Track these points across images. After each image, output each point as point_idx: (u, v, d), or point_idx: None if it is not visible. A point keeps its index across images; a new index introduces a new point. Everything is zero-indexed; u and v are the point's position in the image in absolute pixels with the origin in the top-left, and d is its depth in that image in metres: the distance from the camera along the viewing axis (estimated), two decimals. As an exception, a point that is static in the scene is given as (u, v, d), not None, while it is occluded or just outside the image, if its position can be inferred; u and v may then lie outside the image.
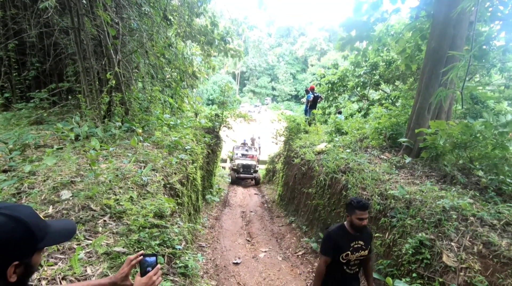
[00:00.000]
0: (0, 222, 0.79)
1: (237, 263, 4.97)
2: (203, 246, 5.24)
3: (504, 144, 4.07)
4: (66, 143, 3.88)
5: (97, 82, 5.87)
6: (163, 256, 2.19)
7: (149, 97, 6.57)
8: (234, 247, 5.71)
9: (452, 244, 3.04)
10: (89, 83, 5.57)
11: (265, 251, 5.61)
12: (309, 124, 10.11)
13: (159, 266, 1.28)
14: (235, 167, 13.41)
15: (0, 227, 0.78)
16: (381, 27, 8.23)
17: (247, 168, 13.39)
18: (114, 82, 4.88)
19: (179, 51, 8.16)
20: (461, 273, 2.81)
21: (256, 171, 13.62)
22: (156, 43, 6.36)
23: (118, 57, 5.28)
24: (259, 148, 16.96)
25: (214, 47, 9.08)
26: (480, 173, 4.43)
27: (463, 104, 7.29)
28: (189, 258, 2.37)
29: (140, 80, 6.63)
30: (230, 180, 13.13)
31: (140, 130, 4.81)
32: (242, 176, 13.35)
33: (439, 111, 5.30)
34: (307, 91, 11.19)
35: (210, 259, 4.92)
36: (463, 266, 2.82)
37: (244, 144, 16.69)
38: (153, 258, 1.28)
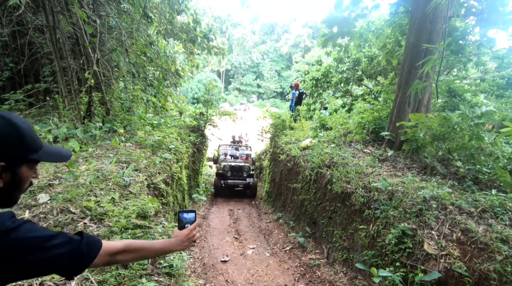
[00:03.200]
0: None
1: (225, 261, 4.96)
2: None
3: (480, 135, 4.22)
4: (44, 145, 3.74)
5: (76, 82, 5.70)
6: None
7: (131, 97, 6.43)
8: (222, 245, 5.69)
9: (433, 232, 3.14)
10: (67, 83, 5.40)
11: (253, 248, 5.62)
12: (295, 121, 10.18)
13: (198, 222, 1.33)
14: (221, 171, 9.76)
15: None
16: (362, 23, 8.36)
17: (237, 170, 9.71)
18: (93, 81, 4.74)
19: (161, 49, 8.02)
20: (442, 260, 2.90)
21: (250, 175, 9.96)
22: (136, 41, 6.22)
23: (96, 55, 5.14)
24: (250, 147, 13.05)
25: (197, 45, 8.96)
26: (459, 163, 4.58)
27: (439, 96, 7.54)
28: (174, 257, 2.34)
29: (121, 79, 6.47)
30: (213, 190, 9.35)
31: (122, 130, 4.71)
32: (231, 183, 9.48)
33: (419, 104, 5.44)
34: (292, 88, 11.26)
35: (198, 258, 4.89)
36: (443, 253, 2.92)
37: (233, 141, 13.47)
38: (192, 214, 1.32)
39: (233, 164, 9.89)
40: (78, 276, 1.80)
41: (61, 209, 2.46)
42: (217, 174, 10.03)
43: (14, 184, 0.85)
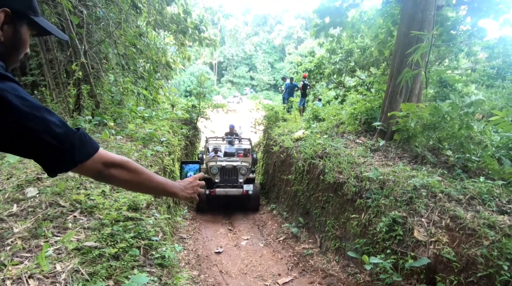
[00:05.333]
0: None
1: (219, 252, 4.99)
2: (184, 238, 5.21)
3: (469, 124, 4.28)
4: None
5: (64, 75, 5.57)
6: (138, 248, 2.14)
7: (121, 89, 6.32)
8: (216, 237, 5.72)
9: (423, 219, 3.19)
10: (54, 76, 5.28)
11: (247, 239, 5.66)
12: (288, 112, 10.19)
13: (202, 174, 1.22)
14: (207, 175, 6.83)
15: None
16: (354, 13, 8.32)
17: (230, 173, 7.11)
18: (81, 73, 4.64)
19: (151, 41, 7.88)
20: (431, 246, 2.96)
21: (250, 180, 7.30)
22: (125, 32, 6.08)
23: (84, 47, 5.02)
24: (249, 139, 9.15)
25: (188, 36, 8.82)
26: (449, 152, 4.64)
27: (430, 86, 7.58)
28: (166, 249, 2.34)
29: (110, 71, 6.35)
30: (197, 205, 6.99)
31: (112, 123, 4.64)
32: (220, 193, 6.76)
33: (410, 94, 5.47)
34: (283, 79, 11.22)
35: (192, 250, 4.91)
36: (433, 239, 2.98)
37: (230, 133, 9.70)
38: (196, 165, 1.23)
39: (223, 164, 7.07)
40: (68, 268, 1.79)
41: (50, 203, 2.43)
42: (204, 179, 5.89)
43: (13, 41, 0.79)
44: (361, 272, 3.64)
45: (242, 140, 8.80)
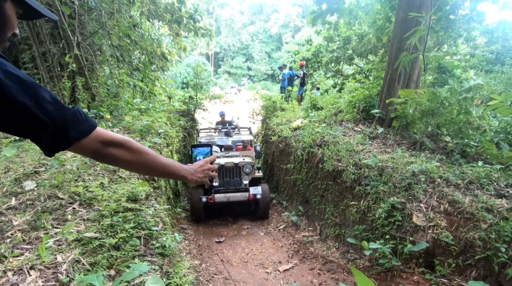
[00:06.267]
0: None
1: (220, 242, 5.04)
2: (185, 228, 5.24)
3: (468, 109, 4.26)
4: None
5: (58, 68, 5.48)
6: (138, 238, 2.15)
7: (117, 82, 6.25)
8: (216, 227, 5.76)
9: (421, 205, 3.22)
10: (48, 69, 5.19)
11: (247, 228, 5.70)
12: (286, 101, 10.14)
13: (214, 156, 1.14)
14: None
15: None
16: (351, -1, 8.19)
17: (231, 174, 5.83)
18: (74, 65, 4.57)
19: (145, 31, 7.75)
20: (429, 231, 2.99)
21: (257, 180, 6.18)
22: (118, 22, 5.97)
23: (77, 39, 4.93)
24: (249, 128, 7.97)
25: (183, 26, 8.66)
26: (447, 138, 4.65)
27: (429, 72, 7.53)
28: (167, 238, 2.34)
29: (105, 63, 6.25)
30: (191, 212, 5.79)
31: (108, 116, 4.60)
32: (222, 199, 5.56)
33: (408, 81, 5.43)
34: (280, 69, 11.12)
35: (193, 240, 4.95)
36: (431, 224, 3.01)
37: (222, 122, 8.56)
38: (206, 148, 1.17)
39: (221, 161, 5.69)
40: (69, 258, 1.79)
41: (48, 196, 2.42)
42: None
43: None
44: (360, 257, 3.69)
45: (240, 129, 7.62)
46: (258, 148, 6.88)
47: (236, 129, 7.77)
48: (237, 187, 5.76)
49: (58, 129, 0.74)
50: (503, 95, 3.63)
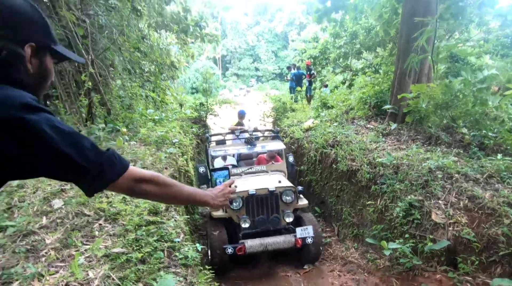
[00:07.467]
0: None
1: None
2: (204, 234, 5.34)
3: (484, 99, 4.16)
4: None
5: (74, 85, 5.71)
6: (162, 250, 2.24)
7: (130, 94, 6.43)
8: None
9: (440, 202, 3.18)
10: (65, 87, 5.41)
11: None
12: (296, 102, 10.13)
13: (232, 180, 1.22)
14: (223, 214, 4.00)
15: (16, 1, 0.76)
16: (356, -6, 8.09)
17: (265, 206, 3.85)
18: (90, 83, 4.75)
19: (154, 43, 7.93)
20: (450, 228, 2.96)
21: (300, 212, 4.26)
22: (128, 37, 6.15)
23: (90, 56, 5.11)
24: (277, 133, 5.74)
25: (190, 34, 8.82)
26: (464, 130, 4.55)
27: (441, 62, 7.33)
28: (188, 249, 2.43)
29: (118, 77, 6.46)
30: (210, 261, 3.69)
31: (124, 129, 4.75)
32: (257, 248, 3.66)
33: (419, 74, 5.34)
34: (288, 68, 11.12)
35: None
36: (451, 221, 2.97)
37: (240, 123, 6.77)
38: (224, 172, 1.24)
39: (249, 188, 3.87)
40: (100, 274, 1.89)
41: (76, 213, 2.54)
42: (212, 218, 4.15)
43: (41, 72, 0.83)
44: (380, 257, 3.67)
45: (265, 133, 5.76)
46: (291, 158, 5.04)
47: (259, 133, 5.67)
48: (275, 227, 3.90)
49: (96, 173, 0.83)
50: (519, 84, 3.53)
